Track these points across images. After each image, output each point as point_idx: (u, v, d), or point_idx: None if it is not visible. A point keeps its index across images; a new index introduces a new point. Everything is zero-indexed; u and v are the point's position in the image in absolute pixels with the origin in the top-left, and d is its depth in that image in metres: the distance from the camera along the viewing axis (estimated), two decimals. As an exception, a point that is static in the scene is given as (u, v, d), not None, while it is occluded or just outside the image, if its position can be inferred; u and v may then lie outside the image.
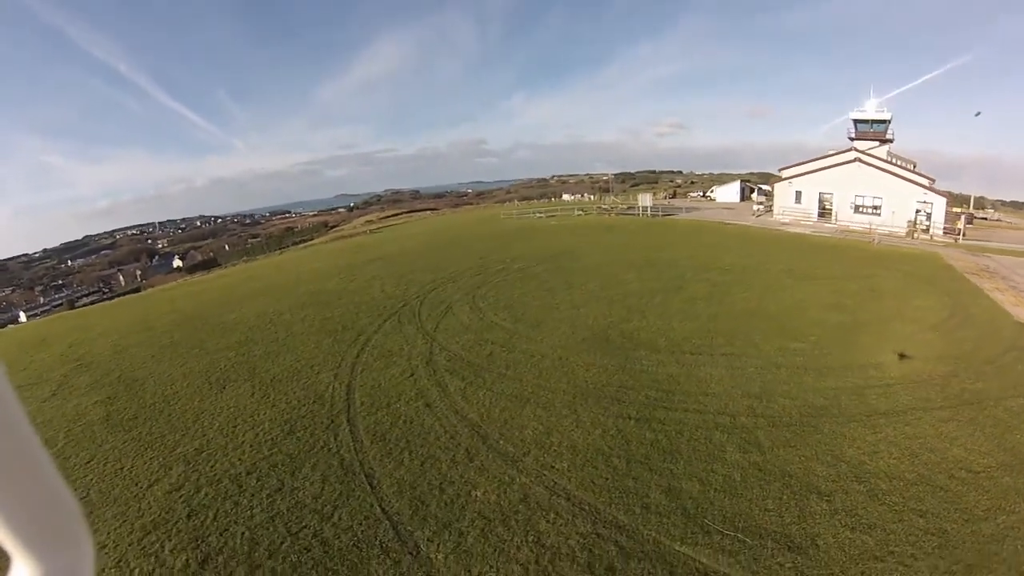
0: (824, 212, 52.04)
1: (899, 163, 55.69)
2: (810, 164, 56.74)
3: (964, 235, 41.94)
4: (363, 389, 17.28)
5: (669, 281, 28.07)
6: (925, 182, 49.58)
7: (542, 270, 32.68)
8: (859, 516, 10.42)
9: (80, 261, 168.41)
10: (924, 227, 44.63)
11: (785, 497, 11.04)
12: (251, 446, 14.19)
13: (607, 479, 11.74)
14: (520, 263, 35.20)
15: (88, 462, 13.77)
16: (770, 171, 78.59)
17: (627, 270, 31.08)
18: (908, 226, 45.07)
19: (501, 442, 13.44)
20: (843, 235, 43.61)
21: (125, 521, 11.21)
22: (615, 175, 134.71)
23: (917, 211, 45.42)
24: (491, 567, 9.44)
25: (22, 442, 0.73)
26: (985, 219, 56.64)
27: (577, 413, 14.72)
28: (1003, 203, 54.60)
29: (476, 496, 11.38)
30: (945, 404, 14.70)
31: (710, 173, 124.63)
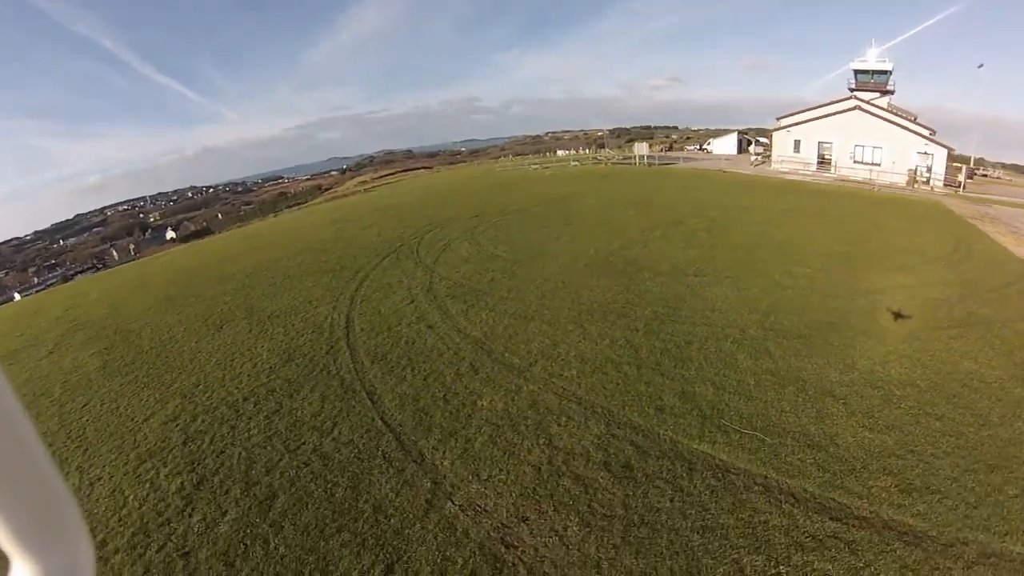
0: (823, 161, 50.73)
1: (900, 115, 54.34)
2: (809, 112, 54.92)
3: (965, 187, 40.99)
4: (362, 317, 16.76)
5: (669, 218, 27.37)
6: (926, 133, 47.94)
7: (540, 211, 31.90)
8: (876, 418, 10.06)
9: (72, 240, 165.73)
10: (924, 178, 43.56)
11: (800, 400, 10.64)
12: (248, 376, 13.70)
13: (618, 384, 11.31)
14: (518, 206, 34.37)
15: (84, 406, 13.21)
16: (768, 126, 76.99)
17: (626, 209, 30.32)
18: (908, 175, 43.99)
19: (506, 355, 12.99)
20: (842, 183, 42.80)
21: (121, 453, 10.77)
22: (610, 131, 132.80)
23: (917, 163, 44.32)
24: (501, 470, 9.04)
25: (22, 442, 0.72)
26: (986, 175, 55.64)
27: (583, 327, 14.25)
28: (1004, 165, 53.27)
29: (482, 405, 10.95)
30: (953, 325, 14.30)
31: (707, 128, 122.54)
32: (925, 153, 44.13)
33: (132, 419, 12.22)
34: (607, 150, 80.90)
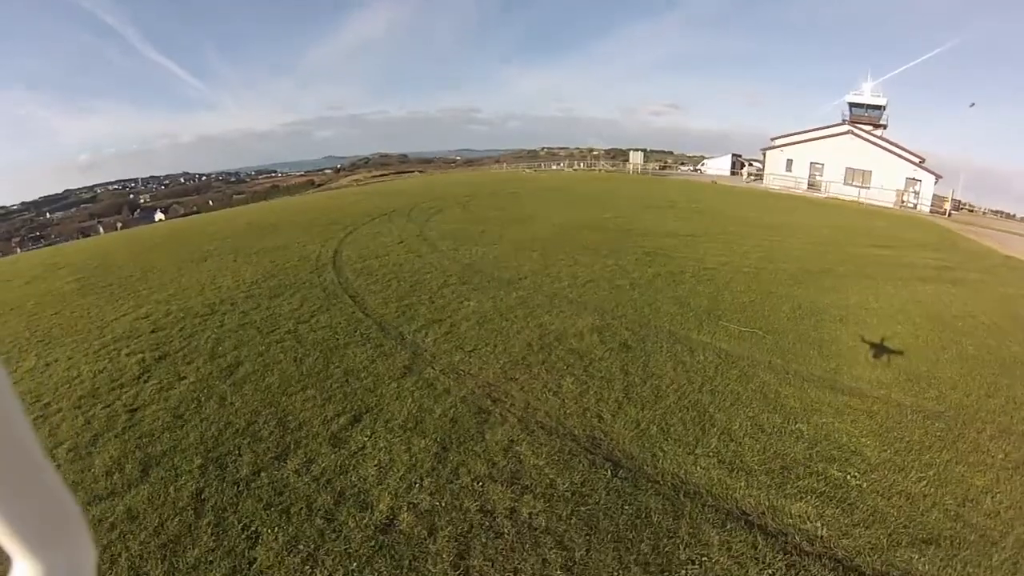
0: (813, 183, 50.89)
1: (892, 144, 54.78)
2: (803, 134, 55.21)
3: (950, 215, 41.21)
4: (351, 250, 16.22)
5: (662, 203, 27.27)
6: (916, 160, 48.52)
7: (535, 194, 31.68)
8: (874, 329, 9.80)
9: (60, 214, 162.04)
10: (912, 203, 43.73)
11: (798, 315, 10.31)
12: (228, 288, 12.88)
13: (610, 293, 10.90)
14: (512, 189, 34.23)
15: (55, 314, 12.21)
16: (759, 155, 78.00)
17: (619, 198, 30.16)
18: (896, 195, 44.06)
19: (496, 273, 12.54)
20: (831, 199, 43.02)
21: (84, 342, 9.80)
22: (606, 150, 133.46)
23: (907, 186, 44.49)
24: (488, 343, 8.51)
25: (21, 442, 0.72)
26: (972, 211, 55.99)
27: (576, 259, 13.89)
28: (991, 211, 53.74)
29: (470, 305, 10.42)
30: (942, 280, 14.35)
31: (701, 155, 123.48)
32: (914, 179, 44.31)
33: (102, 319, 11.27)
34: (602, 163, 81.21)
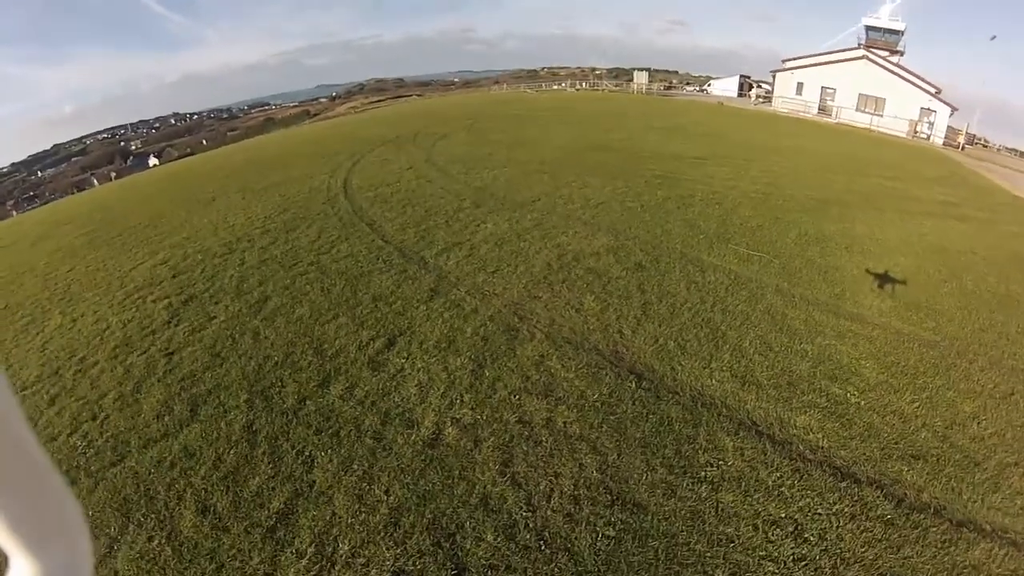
0: (824, 108, 48.99)
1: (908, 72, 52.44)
2: (816, 57, 52.32)
3: (964, 149, 39.96)
4: (360, 179, 16.20)
5: (669, 125, 26.78)
6: (932, 89, 46.30)
7: (539, 115, 31.06)
8: (878, 259, 10.00)
9: (51, 171, 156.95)
10: (925, 134, 42.25)
11: (805, 241, 10.54)
12: (242, 226, 12.80)
13: (622, 215, 11.11)
14: (515, 111, 33.48)
15: (70, 271, 11.79)
16: (768, 76, 75.33)
17: (623, 119, 29.65)
18: (910, 125, 42.48)
19: (508, 196, 12.68)
20: (839, 126, 41.93)
21: (107, 294, 9.81)
22: (608, 69, 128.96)
23: (921, 117, 42.97)
24: (509, 265, 8.80)
25: (21, 441, 0.72)
26: (986, 146, 54.30)
27: (586, 180, 13.97)
28: (1006, 148, 51.84)
29: (487, 228, 10.64)
30: (948, 216, 14.34)
31: (707, 75, 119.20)
32: (928, 109, 42.25)
33: (119, 270, 11.04)
34: (606, 83, 78.89)
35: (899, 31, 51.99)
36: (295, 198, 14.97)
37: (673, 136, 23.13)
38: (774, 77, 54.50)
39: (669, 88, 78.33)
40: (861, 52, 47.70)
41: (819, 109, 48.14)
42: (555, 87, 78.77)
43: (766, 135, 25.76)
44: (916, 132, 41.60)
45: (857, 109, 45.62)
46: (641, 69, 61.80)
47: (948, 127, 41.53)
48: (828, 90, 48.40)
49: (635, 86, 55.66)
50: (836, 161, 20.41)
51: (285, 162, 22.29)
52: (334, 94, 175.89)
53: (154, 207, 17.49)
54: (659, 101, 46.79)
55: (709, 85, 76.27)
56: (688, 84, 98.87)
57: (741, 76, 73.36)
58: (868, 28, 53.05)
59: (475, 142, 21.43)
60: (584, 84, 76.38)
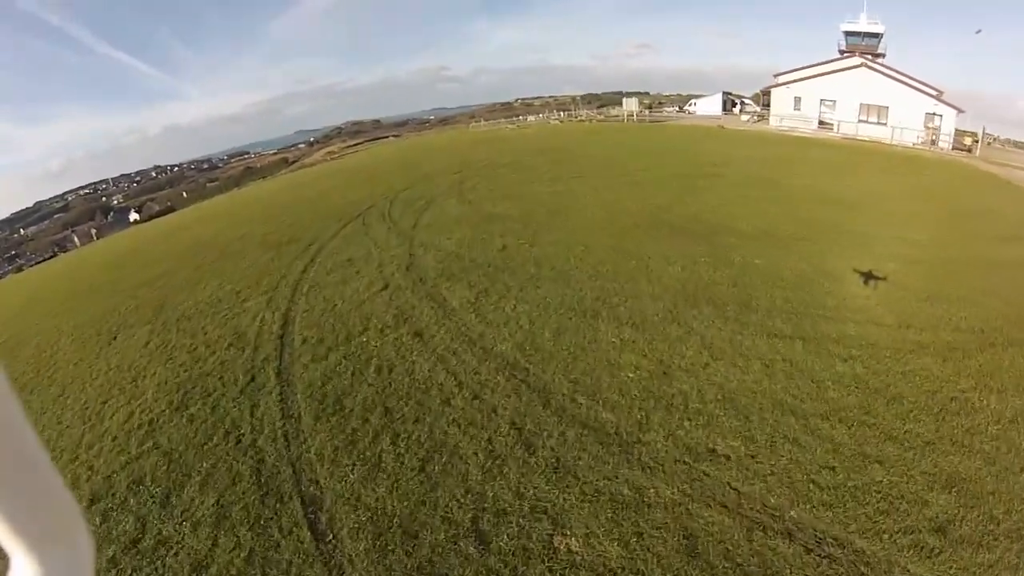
0: (824, 121, 44.53)
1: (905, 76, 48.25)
2: (810, 69, 48.19)
3: (978, 151, 35.00)
4: (307, 317, 9.96)
5: (701, 169, 20.70)
6: (934, 92, 42.24)
7: (536, 162, 24.76)
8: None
9: (33, 229, 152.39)
10: (943, 144, 37.84)
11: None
12: (114, 442, 7.36)
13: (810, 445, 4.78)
14: (508, 159, 27.13)
15: None
16: (744, 93, 70.65)
17: (641, 159, 23.57)
18: (927, 133, 37.63)
19: (571, 391, 6.38)
20: (849, 141, 36.76)
21: None
22: (582, 96, 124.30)
23: (933, 122, 38.63)
24: None
25: (21, 441, 0.68)
26: (990, 143, 49.68)
27: (687, 324, 7.71)
28: (1011, 141, 47.84)
29: (566, 543, 4.29)
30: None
31: (679, 94, 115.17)
32: (933, 113, 38.31)
33: None
34: (585, 111, 73.37)
35: (879, 34, 48.97)
36: (206, 361, 9.27)
37: (719, 188, 17.06)
38: (769, 93, 50.43)
39: (649, 109, 73.00)
40: (859, 60, 43.72)
41: (819, 123, 43.65)
42: (530, 118, 73.03)
43: (816, 174, 19.92)
44: (932, 138, 36.84)
45: (859, 119, 41.59)
46: (630, 95, 56.33)
47: (956, 130, 36.94)
48: (827, 102, 43.95)
49: (625, 113, 49.96)
50: (931, 213, 14.42)
51: (227, 252, 16.80)
52: (312, 139, 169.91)
53: (52, 331, 13.33)
54: (654, 129, 41.22)
55: (692, 105, 71.39)
56: (661, 104, 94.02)
57: (723, 93, 68.99)
58: (847, 34, 49.88)
59: (471, 218, 15.11)
60: (562, 114, 70.89)
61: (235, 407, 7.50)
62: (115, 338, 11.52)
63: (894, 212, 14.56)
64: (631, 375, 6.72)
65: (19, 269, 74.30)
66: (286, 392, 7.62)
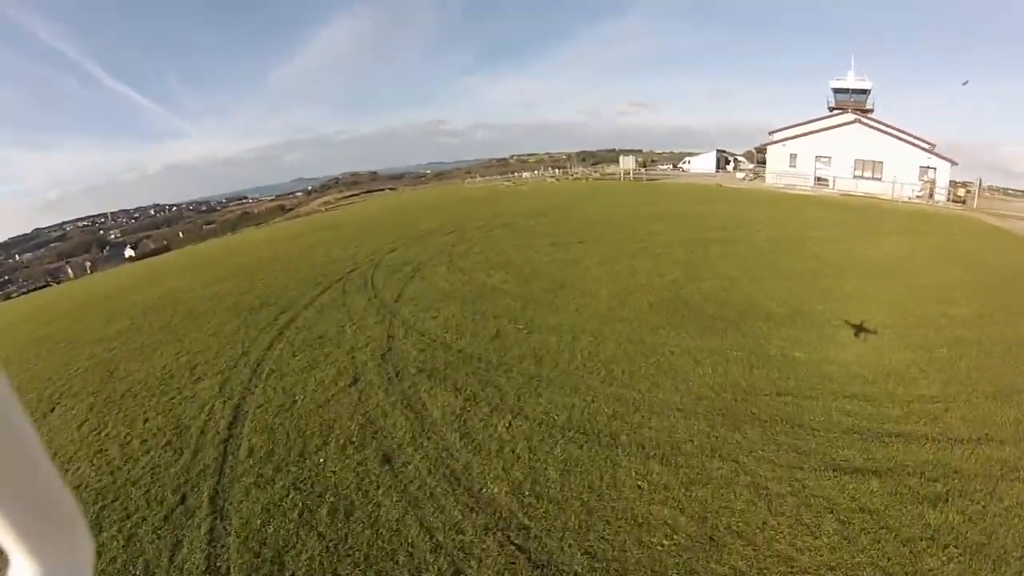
0: (820, 178, 44.57)
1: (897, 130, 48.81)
2: (805, 126, 48.87)
3: (973, 202, 34.91)
4: (261, 415, 8.13)
5: (713, 234, 19.28)
6: (927, 146, 42.68)
7: (535, 224, 23.38)
8: None
9: (28, 255, 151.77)
10: (941, 199, 37.76)
11: None
12: None
13: None
14: (505, 219, 25.69)
15: None
16: (733, 149, 71.24)
17: (646, 222, 22.20)
18: (926, 187, 37.63)
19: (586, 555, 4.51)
20: (848, 197, 36.26)
21: None
22: (576, 153, 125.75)
23: (929, 176, 38.67)
24: None
25: (21, 442, 0.69)
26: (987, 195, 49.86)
27: (735, 459, 5.87)
28: (1001, 189, 48.41)
29: None
30: None
31: (671, 151, 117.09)
32: (927, 167, 38.48)
33: None
34: (581, 169, 73.22)
35: (866, 90, 49.93)
36: (136, 464, 7.38)
37: (740, 255, 15.56)
38: (764, 151, 51.07)
39: (644, 165, 72.95)
40: (853, 116, 44.22)
41: (816, 180, 43.44)
42: (526, 175, 72.74)
43: (828, 236, 18.53)
44: (931, 195, 36.56)
45: (854, 175, 41.75)
46: (624, 152, 56.14)
47: (950, 182, 37.21)
48: (822, 158, 44.10)
49: (621, 171, 49.35)
50: (976, 290, 12.89)
51: (194, 312, 15.12)
52: (309, 188, 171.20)
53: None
54: (653, 188, 40.42)
55: (687, 162, 71.83)
56: (654, 161, 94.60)
57: (717, 151, 69.63)
58: (836, 91, 50.69)
59: (461, 291, 13.45)
60: (558, 171, 70.71)
61: (153, 543, 5.63)
62: (52, 410, 9.69)
63: (925, 280, 13.19)
64: (665, 543, 4.92)
65: (7, 297, 72.06)
66: (217, 530, 5.75)
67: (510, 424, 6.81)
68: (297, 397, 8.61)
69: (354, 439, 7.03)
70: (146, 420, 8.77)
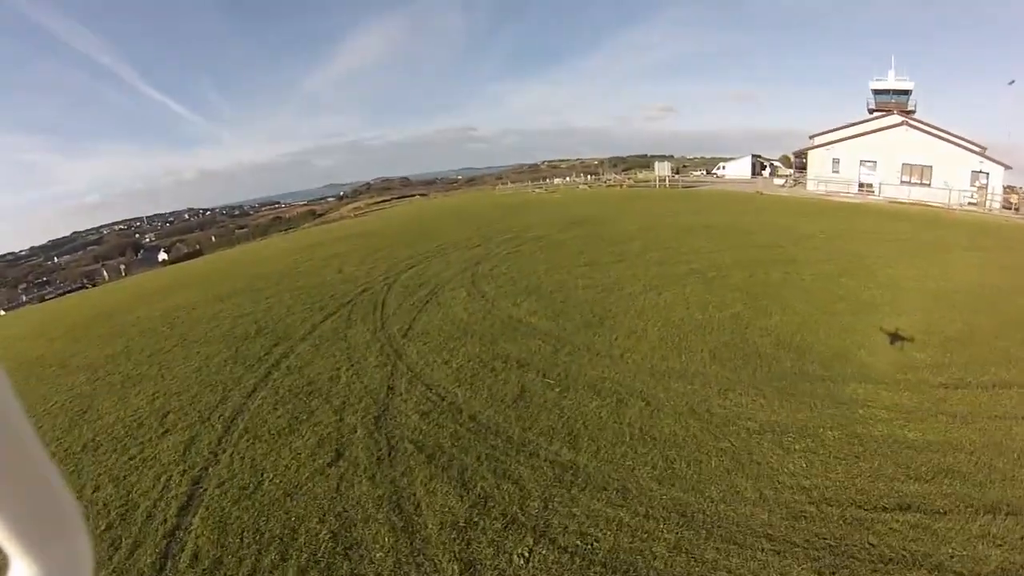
0: (864, 184, 41.64)
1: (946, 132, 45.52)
2: (848, 129, 45.83)
3: (1019, 209, 32.20)
4: (218, 501, 6.42)
5: (767, 253, 16.88)
6: (978, 149, 39.51)
7: (567, 238, 21.24)
8: None
9: (66, 258, 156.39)
10: (998, 204, 35.00)
11: None
12: None
13: None
14: (535, 232, 23.61)
15: None
16: (763, 154, 68.78)
17: (690, 236, 19.93)
18: (980, 192, 35.09)
19: None
20: (898, 205, 33.42)
21: None
22: (608, 159, 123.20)
23: (972, 179, 35.86)
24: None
25: (22, 442, 0.69)
26: None
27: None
28: None
29: None
30: None
31: (701, 156, 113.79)
32: (980, 171, 35.69)
33: None
34: (614, 174, 70.79)
35: (908, 91, 46.75)
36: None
37: (811, 290, 13.22)
38: (803, 155, 48.46)
39: (677, 171, 70.23)
40: (900, 118, 41.08)
41: (860, 186, 40.64)
42: (557, 181, 70.66)
43: (894, 253, 16.05)
44: (986, 198, 33.72)
45: (901, 181, 38.72)
46: (656, 158, 53.64)
47: (1005, 187, 34.63)
48: (867, 163, 41.15)
49: (656, 178, 46.94)
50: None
51: (188, 336, 13.76)
52: (341, 193, 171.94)
53: None
54: (692, 197, 37.99)
55: (721, 168, 68.95)
56: (685, 167, 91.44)
57: (752, 156, 66.66)
58: (876, 92, 47.71)
59: (483, 325, 11.48)
60: (590, 178, 68.48)
61: None
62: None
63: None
64: None
65: (42, 299, 73.31)
66: None
67: (530, 553, 4.79)
68: (265, 475, 6.80)
69: (320, 558, 5.13)
70: (96, 488, 7.23)
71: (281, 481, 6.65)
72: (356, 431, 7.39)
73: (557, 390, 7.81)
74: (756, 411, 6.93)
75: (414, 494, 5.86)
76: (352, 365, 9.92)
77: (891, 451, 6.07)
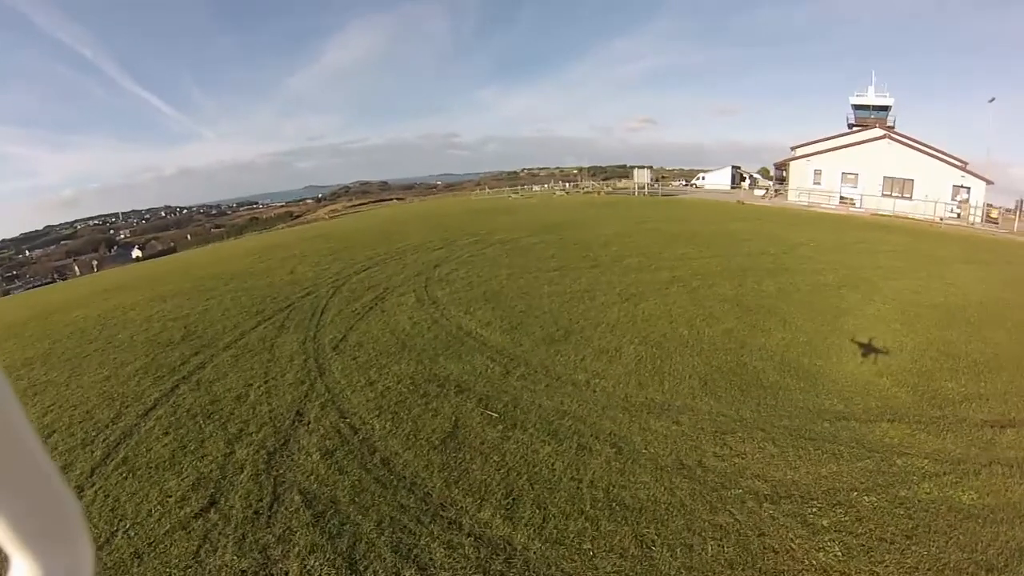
0: (845, 196, 41.31)
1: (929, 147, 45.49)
2: (830, 141, 45.90)
3: (999, 222, 32.17)
4: None
5: (759, 261, 15.40)
6: (960, 163, 39.54)
7: (538, 241, 19.51)
8: None
9: (38, 252, 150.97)
10: (955, 213, 34.84)
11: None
12: None
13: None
14: (501, 235, 21.84)
15: None
16: (744, 165, 68.62)
17: (673, 243, 18.37)
18: (962, 206, 34.88)
19: None
20: (877, 216, 32.97)
21: None
22: (587, 168, 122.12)
23: (953, 194, 35.63)
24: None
25: (22, 441, 0.67)
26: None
27: None
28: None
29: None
30: None
31: (680, 168, 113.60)
32: (961, 186, 35.99)
33: None
34: (592, 183, 69.57)
35: (887, 106, 47.39)
36: None
37: (808, 301, 11.69)
38: (784, 167, 48.50)
39: (657, 180, 69.40)
40: (882, 132, 41.35)
41: (840, 199, 40.33)
42: (535, 188, 69.29)
43: (889, 266, 14.74)
44: (970, 215, 33.43)
45: (883, 194, 38.73)
46: (641, 167, 52.37)
47: (986, 204, 34.82)
48: (849, 175, 41.26)
49: (636, 186, 45.59)
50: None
51: (112, 341, 11.80)
52: (320, 195, 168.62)
53: None
54: (672, 205, 36.73)
55: (701, 178, 68.36)
56: (664, 177, 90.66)
57: (732, 167, 66.25)
58: (856, 107, 48.28)
59: (426, 338, 9.72)
60: (568, 185, 67.13)
61: None
62: None
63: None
64: None
65: (6, 293, 69.12)
66: None
67: None
68: (121, 525, 5.06)
69: None
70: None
71: (136, 534, 4.89)
72: (243, 470, 5.58)
73: (500, 428, 6.06)
74: (765, 465, 5.24)
75: (286, 573, 4.05)
76: (266, 382, 8.08)
77: (948, 525, 4.45)
